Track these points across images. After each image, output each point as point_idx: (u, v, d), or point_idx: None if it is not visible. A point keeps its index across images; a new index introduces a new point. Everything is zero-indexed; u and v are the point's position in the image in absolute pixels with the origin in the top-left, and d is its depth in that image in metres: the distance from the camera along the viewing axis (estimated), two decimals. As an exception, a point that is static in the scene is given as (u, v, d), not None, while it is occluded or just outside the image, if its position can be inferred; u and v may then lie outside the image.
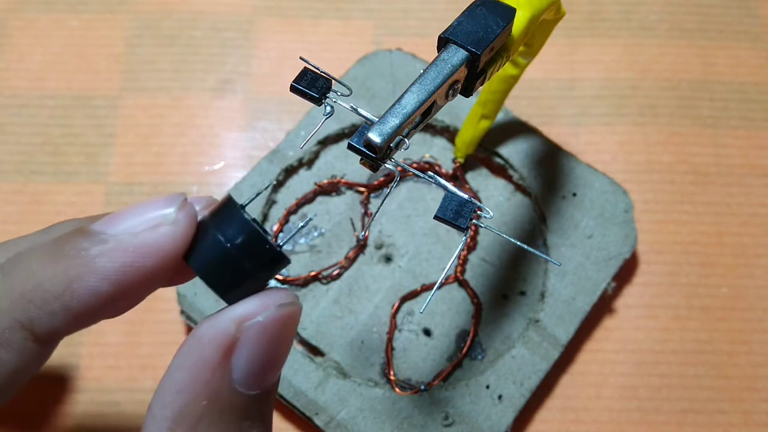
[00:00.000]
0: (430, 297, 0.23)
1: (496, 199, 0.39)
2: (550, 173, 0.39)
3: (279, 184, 0.39)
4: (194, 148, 0.43)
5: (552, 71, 0.45)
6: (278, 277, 0.37)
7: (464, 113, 0.39)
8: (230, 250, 0.19)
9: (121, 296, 0.19)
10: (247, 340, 0.19)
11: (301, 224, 0.22)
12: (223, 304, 0.20)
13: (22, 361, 0.19)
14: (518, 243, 0.23)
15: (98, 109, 0.44)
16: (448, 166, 0.40)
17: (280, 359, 0.20)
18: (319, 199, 0.40)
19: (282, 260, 0.20)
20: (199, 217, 0.20)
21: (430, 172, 0.23)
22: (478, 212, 0.22)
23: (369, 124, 0.23)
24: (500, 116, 0.39)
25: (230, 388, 0.19)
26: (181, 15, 0.46)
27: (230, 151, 0.43)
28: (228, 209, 0.20)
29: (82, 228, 0.19)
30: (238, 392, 0.19)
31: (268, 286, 0.20)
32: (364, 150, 0.22)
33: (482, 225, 0.22)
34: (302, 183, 0.39)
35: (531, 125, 0.40)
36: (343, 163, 0.40)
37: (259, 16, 0.47)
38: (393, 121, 0.22)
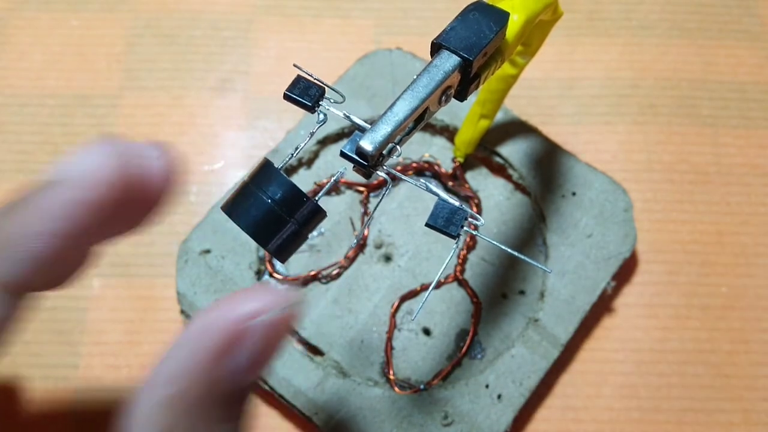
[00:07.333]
0: (426, 296, 0.23)
1: (496, 199, 0.39)
2: (550, 172, 0.39)
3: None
4: (194, 147, 0.43)
5: (552, 70, 0.45)
6: (278, 276, 0.37)
7: (464, 113, 0.39)
8: (272, 206, 0.21)
9: (75, 233, 0.20)
10: (253, 334, 0.20)
11: (334, 178, 0.24)
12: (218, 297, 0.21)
13: None
14: (508, 250, 0.23)
15: (98, 108, 0.44)
16: (447, 166, 0.40)
17: (276, 353, 0.21)
18: (319, 198, 0.40)
19: (318, 212, 0.22)
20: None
21: (421, 179, 0.23)
22: (470, 219, 0.22)
23: (361, 131, 0.23)
24: (500, 115, 0.39)
25: (229, 376, 0.20)
26: (181, 14, 0.46)
27: (230, 150, 0.43)
28: (266, 170, 0.22)
29: (27, 186, 0.21)
30: (234, 381, 0.20)
31: (269, 284, 0.22)
32: (356, 158, 0.22)
33: (473, 232, 0.22)
34: (302, 182, 0.39)
35: (531, 124, 0.40)
36: (343, 162, 0.40)
37: (259, 15, 0.47)
38: (384, 129, 0.22)
